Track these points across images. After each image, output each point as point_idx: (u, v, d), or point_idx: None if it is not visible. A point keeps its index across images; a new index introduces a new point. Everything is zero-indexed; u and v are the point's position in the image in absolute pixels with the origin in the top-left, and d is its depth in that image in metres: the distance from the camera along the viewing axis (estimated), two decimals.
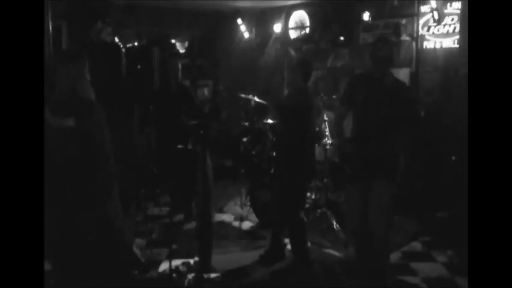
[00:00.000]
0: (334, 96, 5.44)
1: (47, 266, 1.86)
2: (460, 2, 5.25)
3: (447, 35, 5.41)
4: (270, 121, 5.14)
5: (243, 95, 5.59)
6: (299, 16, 7.20)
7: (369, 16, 5.98)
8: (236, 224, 5.10)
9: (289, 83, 3.85)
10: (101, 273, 2.45)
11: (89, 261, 2.39)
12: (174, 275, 3.75)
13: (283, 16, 7.31)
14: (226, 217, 5.37)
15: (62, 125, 2.31)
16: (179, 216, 5.12)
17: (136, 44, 6.81)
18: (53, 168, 2.28)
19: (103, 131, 2.46)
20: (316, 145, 5.31)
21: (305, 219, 4.04)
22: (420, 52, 5.68)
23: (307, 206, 5.14)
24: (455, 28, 5.33)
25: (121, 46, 5.27)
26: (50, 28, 4.21)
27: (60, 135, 2.33)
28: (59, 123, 2.30)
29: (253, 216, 5.05)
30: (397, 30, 5.75)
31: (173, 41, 7.76)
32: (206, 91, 5.12)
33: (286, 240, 4.19)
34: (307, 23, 7.08)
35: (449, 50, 5.39)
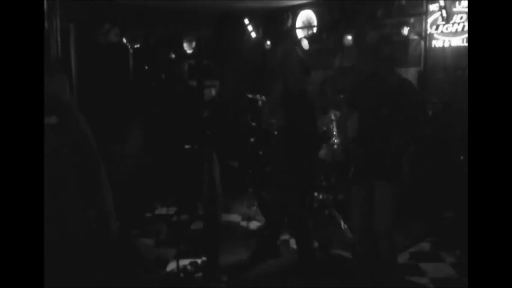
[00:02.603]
0: (341, 96, 5.42)
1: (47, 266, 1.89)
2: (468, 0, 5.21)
3: (456, 33, 5.37)
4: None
5: (250, 95, 5.59)
6: (306, 16, 7.19)
7: (377, 15, 5.95)
8: (244, 224, 5.11)
9: (292, 83, 3.88)
10: (103, 272, 2.48)
11: (87, 260, 2.43)
12: (182, 274, 3.76)
13: (290, 16, 7.29)
14: (234, 217, 5.38)
15: (45, 122, 2.40)
16: (186, 217, 5.14)
17: (143, 44, 6.84)
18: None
19: (84, 129, 2.58)
20: (324, 145, 5.31)
21: (311, 222, 4.04)
22: (429, 51, 5.64)
23: (314, 205, 5.14)
24: (463, 27, 5.28)
25: (129, 47, 5.31)
26: (58, 29, 4.24)
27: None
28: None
29: (260, 217, 5.05)
30: (404, 29, 5.71)
31: (180, 41, 7.77)
32: (213, 91, 5.12)
33: (282, 238, 4.27)
34: (315, 23, 7.06)
35: (458, 49, 5.35)
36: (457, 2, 5.32)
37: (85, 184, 2.51)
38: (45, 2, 3.54)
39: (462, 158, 4.80)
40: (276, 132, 4.44)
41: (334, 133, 5.06)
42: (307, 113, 3.79)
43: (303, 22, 7.24)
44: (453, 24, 5.37)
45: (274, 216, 4.23)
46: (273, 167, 4.41)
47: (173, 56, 6.92)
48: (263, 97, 5.56)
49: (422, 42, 5.70)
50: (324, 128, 5.20)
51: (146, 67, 4.63)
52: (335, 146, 5.03)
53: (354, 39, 6.35)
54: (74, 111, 2.60)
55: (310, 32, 7.09)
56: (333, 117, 5.12)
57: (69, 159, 2.47)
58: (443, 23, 5.44)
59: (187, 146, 4.52)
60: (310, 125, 3.82)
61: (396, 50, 3.32)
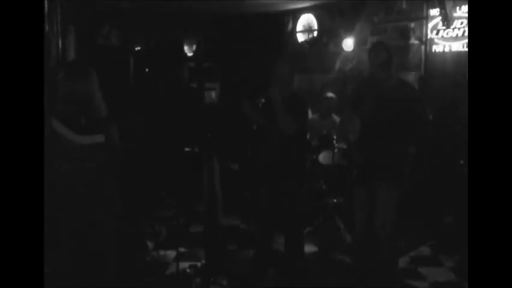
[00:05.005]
0: (342, 100, 5.42)
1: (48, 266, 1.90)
2: None
3: (456, 38, 5.37)
4: None
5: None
6: (307, 19, 7.19)
7: (377, 19, 5.95)
8: (243, 226, 5.09)
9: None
10: (105, 273, 2.50)
11: (92, 262, 2.45)
12: (181, 277, 3.75)
13: (291, 19, 7.30)
14: (233, 220, 5.37)
15: (94, 142, 2.49)
16: (186, 219, 5.13)
17: (144, 47, 6.84)
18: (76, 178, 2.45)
19: (120, 140, 2.63)
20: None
21: (304, 227, 3.96)
22: (429, 56, 5.65)
23: (315, 209, 5.13)
24: (464, 32, 5.29)
25: (129, 49, 5.32)
26: (59, 32, 4.24)
27: (89, 150, 2.48)
28: (90, 139, 2.47)
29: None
30: (405, 33, 5.72)
31: (180, 44, 7.78)
32: (213, 94, 5.13)
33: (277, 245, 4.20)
34: (315, 26, 7.06)
35: (458, 54, 5.35)
36: (458, 7, 5.33)
37: (107, 191, 2.56)
38: (45, 4, 3.54)
39: (462, 162, 4.80)
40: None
41: (335, 137, 5.06)
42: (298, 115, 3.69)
43: (304, 26, 7.25)
44: (453, 29, 5.37)
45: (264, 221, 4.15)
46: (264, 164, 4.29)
47: (174, 58, 6.92)
48: (263, 100, 5.54)
49: (423, 47, 5.70)
50: (325, 132, 5.20)
51: (147, 69, 4.63)
52: (336, 150, 5.03)
53: (354, 43, 6.35)
54: (114, 126, 2.63)
55: (310, 36, 7.10)
56: (334, 121, 5.13)
57: (105, 172, 2.52)
58: (444, 27, 5.44)
59: (187, 149, 4.52)
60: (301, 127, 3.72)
61: (392, 56, 3.32)
